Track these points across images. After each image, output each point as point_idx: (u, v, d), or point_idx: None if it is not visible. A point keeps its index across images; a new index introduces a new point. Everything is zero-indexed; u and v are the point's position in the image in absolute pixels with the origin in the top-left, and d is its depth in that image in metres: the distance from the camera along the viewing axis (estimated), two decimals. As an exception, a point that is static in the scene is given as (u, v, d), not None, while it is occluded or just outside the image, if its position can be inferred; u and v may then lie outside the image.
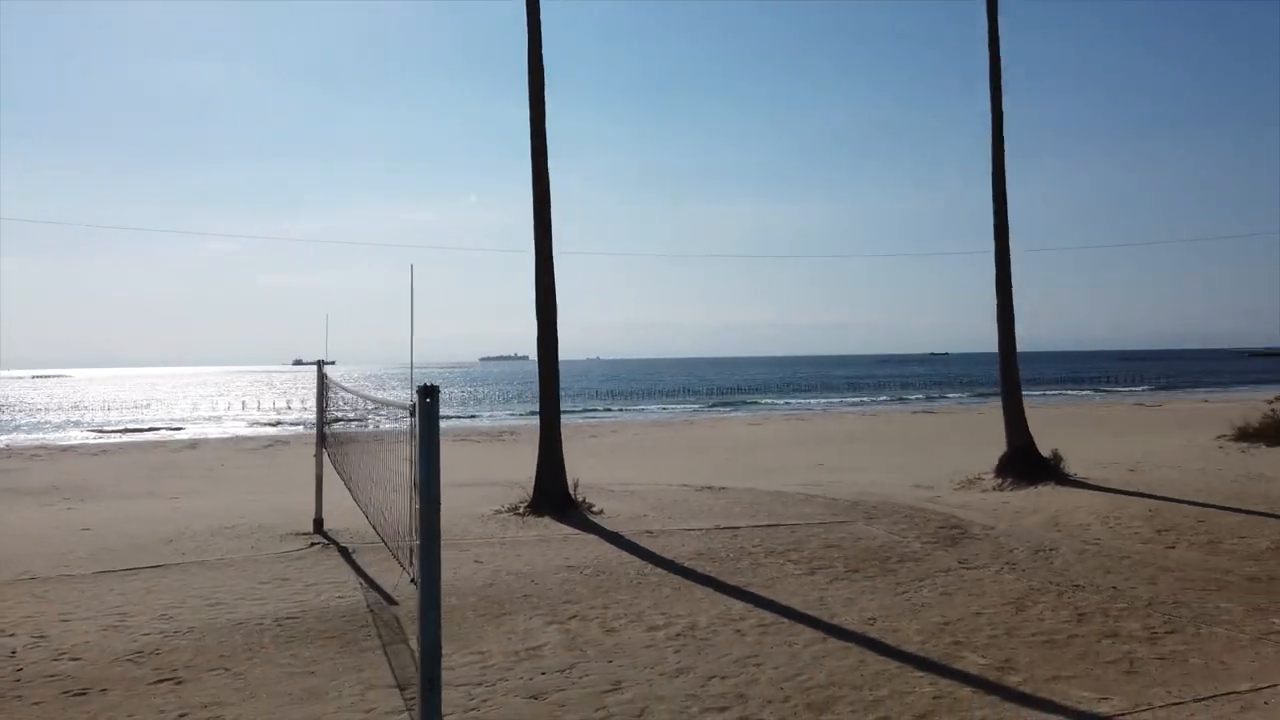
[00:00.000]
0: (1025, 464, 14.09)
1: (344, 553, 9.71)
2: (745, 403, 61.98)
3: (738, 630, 6.97)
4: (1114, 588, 8.01)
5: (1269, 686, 5.49)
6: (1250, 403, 28.47)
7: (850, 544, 9.97)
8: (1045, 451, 14.53)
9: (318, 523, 10.69)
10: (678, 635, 6.87)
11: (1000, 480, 14.09)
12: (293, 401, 67.25)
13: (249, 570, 8.93)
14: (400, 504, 8.29)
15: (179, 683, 5.94)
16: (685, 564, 9.22)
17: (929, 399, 61.19)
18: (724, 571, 8.89)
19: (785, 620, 7.24)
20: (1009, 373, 14.94)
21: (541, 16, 11.90)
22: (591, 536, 10.50)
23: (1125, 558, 9.22)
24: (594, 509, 11.81)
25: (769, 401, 62.97)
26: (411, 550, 5.57)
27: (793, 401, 62.59)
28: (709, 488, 14.56)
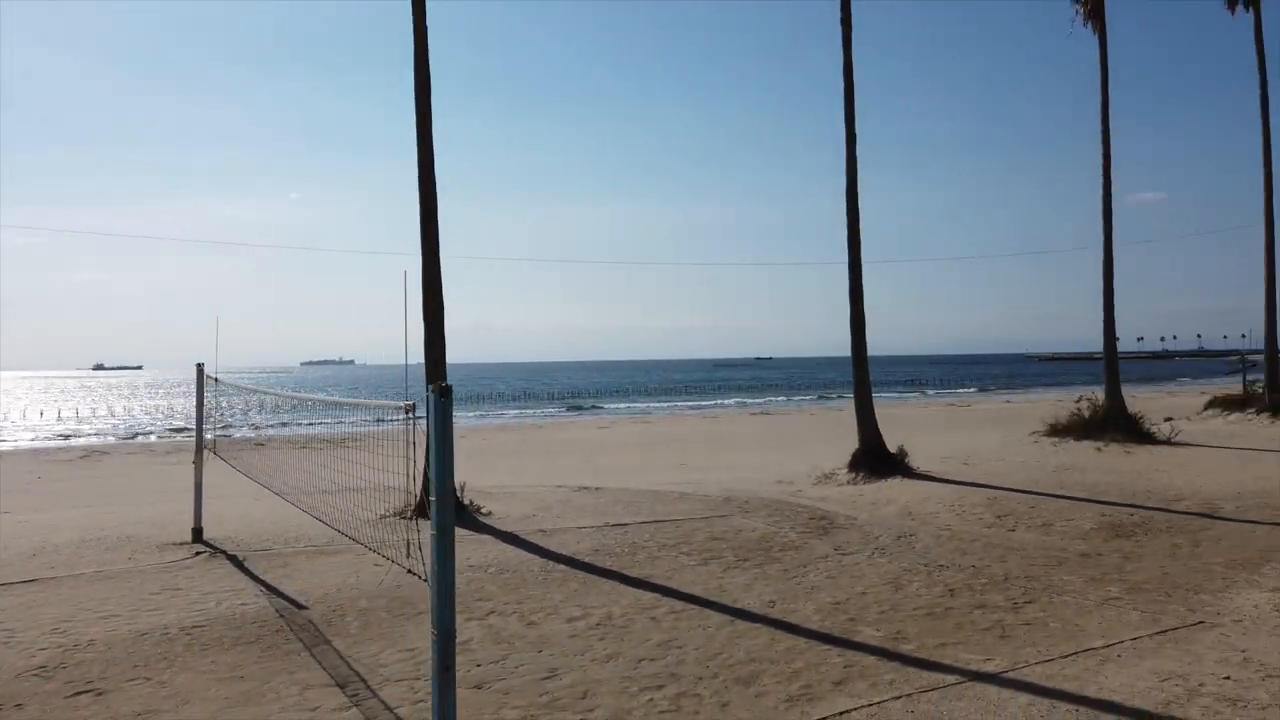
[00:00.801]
0: (876, 459, 15.26)
1: (234, 561, 9.42)
2: (593, 407, 62.73)
3: (652, 618, 7.39)
4: (973, 566, 8.98)
5: (1118, 642, 6.44)
6: (1041, 403, 31.59)
7: (734, 536, 10.60)
8: (892, 448, 15.78)
9: (197, 532, 10.30)
10: (597, 625, 7.21)
11: (854, 475, 15.19)
12: (98, 409, 62.38)
13: (134, 581, 8.55)
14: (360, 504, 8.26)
15: (99, 694, 5.75)
16: (585, 559, 9.55)
17: (764, 401, 63.97)
18: (624, 565, 9.28)
19: (694, 607, 7.72)
20: (860, 375, 16.13)
21: (426, 26, 11.93)
22: (486, 537, 10.64)
23: (976, 540, 10.30)
24: (482, 511, 11.93)
25: (613, 406, 63.94)
26: (408, 544, 5.67)
27: (635, 405, 63.91)
28: (585, 488, 14.91)
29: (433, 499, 4.03)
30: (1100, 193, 20.79)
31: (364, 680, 5.99)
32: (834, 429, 32.17)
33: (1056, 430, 19.55)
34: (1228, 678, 5.64)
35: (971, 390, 76.58)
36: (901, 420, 34.02)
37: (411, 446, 5.39)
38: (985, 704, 5.35)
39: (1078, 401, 20.74)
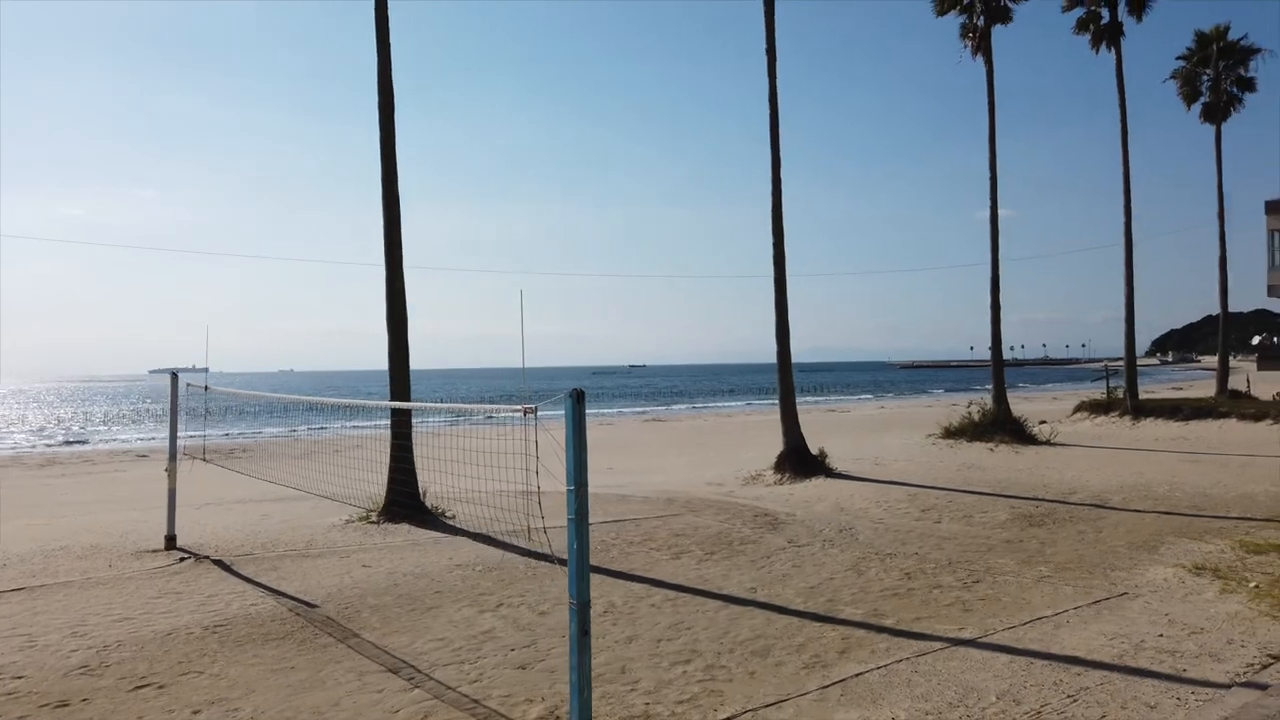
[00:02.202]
0: (799, 461, 16.33)
1: (221, 566, 9.52)
2: (488, 417, 62.27)
3: (652, 605, 8.05)
4: (916, 554, 10.02)
5: (1063, 611, 7.51)
6: (916, 408, 33.77)
7: (694, 533, 11.35)
8: (814, 450, 16.90)
9: (170, 539, 10.29)
10: (604, 612, 7.81)
11: (780, 475, 16.21)
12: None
13: (130, 588, 8.59)
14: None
15: (161, 687, 5.99)
16: (564, 556, 10.09)
17: (657, 408, 65.20)
18: (603, 561, 9.89)
19: (685, 594, 8.42)
20: (785, 381, 17.19)
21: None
22: (461, 539, 11.04)
23: (910, 532, 11.38)
24: (446, 515, 12.27)
25: (501, 415, 63.59)
26: (529, 528, 6.14)
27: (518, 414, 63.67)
28: (529, 492, 15.36)
29: (571, 488, 4.58)
30: (989, 212, 22.67)
31: (413, 666, 6.42)
32: (734, 434, 33.50)
33: (951, 433, 21.21)
34: (1161, 635, 6.75)
35: (844, 396, 80.00)
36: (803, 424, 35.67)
37: (535, 446, 5.89)
38: (974, 663, 6.26)
39: (969, 406, 22.54)
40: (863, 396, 77.07)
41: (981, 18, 22.63)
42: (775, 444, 17.74)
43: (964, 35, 23.12)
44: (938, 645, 6.68)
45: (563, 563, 9.80)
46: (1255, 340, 55.69)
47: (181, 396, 11.51)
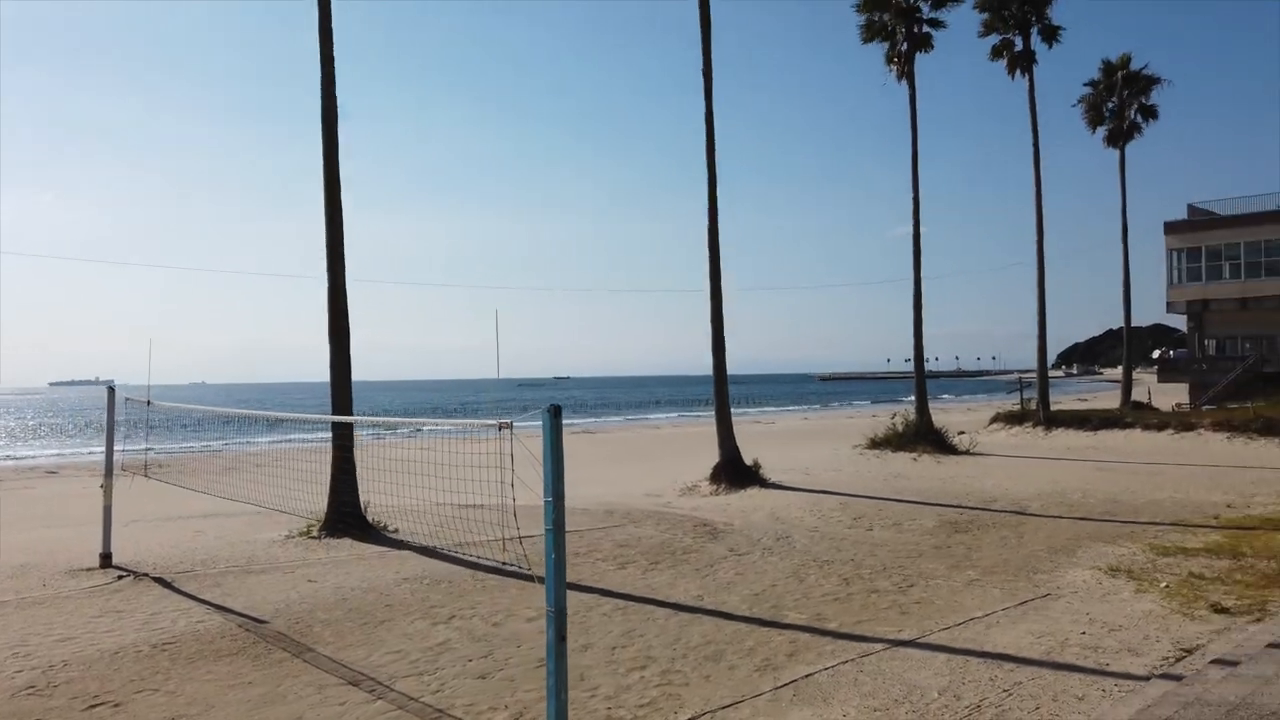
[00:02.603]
0: (735, 472, 16.70)
1: (162, 583, 9.34)
2: (415, 430, 61.42)
3: (603, 614, 8.23)
4: (852, 560, 10.41)
5: (993, 612, 7.95)
6: (839, 419, 34.66)
7: (637, 543, 11.56)
8: (748, 461, 17.29)
9: (105, 557, 10.03)
10: (557, 622, 7.96)
11: (715, 486, 16.55)
12: None
13: (69, 607, 8.38)
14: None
15: (116, 705, 5.93)
16: (511, 568, 10.17)
17: (587, 420, 65.28)
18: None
19: (634, 603, 8.62)
20: (721, 394, 17.56)
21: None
22: (406, 552, 11.04)
23: (844, 539, 11.80)
24: (389, 529, 12.23)
25: (430, 428, 62.84)
26: (504, 541, 6.23)
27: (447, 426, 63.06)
28: (469, 505, 15.37)
29: (548, 499, 4.74)
30: (911, 229, 23.53)
31: (373, 679, 6.47)
32: (667, 446, 33.85)
33: (876, 443, 21.91)
34: (1084, 633, 7.21)
35: (768, 408, 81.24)
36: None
37: (509, 459, 6.00)
38: (915, 662, 6.61)
39: (893, 418, 23.31)
40: (787, 408, 78.39)
41: (904, 45, 23.55)
42: (709, 455, 18.08)
43: (888, 61, 24.01)
44: (879, 646, 7.02)
45: (507, 574, 9.94)
46: (1155, 354, 58.65)
47: (94, 407, 11.25)
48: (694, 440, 32.53)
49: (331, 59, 12.12)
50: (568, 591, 9.11)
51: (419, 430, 26.92)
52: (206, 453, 36.49)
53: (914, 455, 20.55)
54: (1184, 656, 6.42)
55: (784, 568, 10.06)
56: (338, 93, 12.15)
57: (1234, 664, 5.60)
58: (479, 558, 10.76)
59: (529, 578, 9.48)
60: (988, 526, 12.48)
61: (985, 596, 8.58)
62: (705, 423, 51.43)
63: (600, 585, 9.33)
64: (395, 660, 6.90)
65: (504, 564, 9.25)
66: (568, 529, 13.20)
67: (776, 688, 6.15)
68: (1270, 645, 5.84)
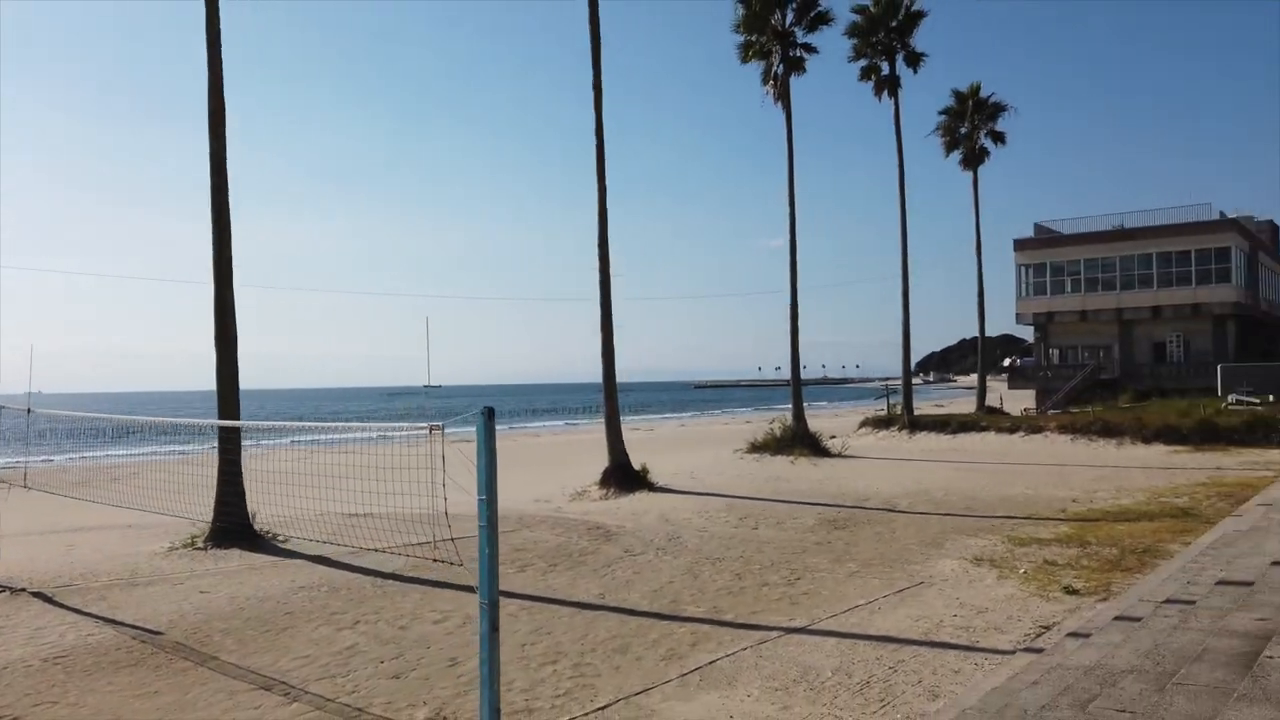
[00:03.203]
0: (624, 476, 17.08)
1: (42, 597, 8.94)
2: (293, 441, 59.18)
3: (509, 614, 8.41)
4: (741, 557, 10.94)
5: (874, 600, 8.57)
6: (716, 425, 35.63)
7: (534, 546, 11.76)
8: (636, 466, 17.71)
9: (-24, 571, 9.51)
10: (464, 624, 8.11)
11: (605, 490, 16.89)
12: None
13: (-60, 623, 7.96)
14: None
15: (16, 718, 5.76)
16: (409, 574, 10.25)
17: (463, 429, 64.30)
18: (449, 576, 10.07)
19: (539, 603, 8.85)
20: (611, 402, 17.92)
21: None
22: (300, 561, 10.88)
23: (732, 538, 12.34)
24: (279, 538, 12.00)
25: (304, 438, 60.83)
26: (435, 542, 6.30)
27: (318, 436, 61.26)
28: (357, 514, 15.19)
29: (481, 498, 4.94)
30: (788, 243, 24.56)
31: (285, 683, 6.48)
32: (552, 453, 33.96)
33: (756, 447, 22.75)
34: (955, 615, 7.90)
35: (649, 415, 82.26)
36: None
37: (441, 461, 6.11)
38: (808, 646, 7.11)
39: (771, 424, 24.25)
40: (666, 415, 79.57)
41: (780, 67, 24.61)
42: (594, 462, 18.43)
43: (765, 81, 25.03)
44: (775, 634, 7.50)
45: (407, 579, 9.98)
46: (1006, 362, 62.70)
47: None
48: (577, 447, 32.80)
49: (219, 59, 11.84)
50: (470, 595, 9.29)
51: (316, 439, 26.14)
52: (86, 462, 34.29)
53: (791, 458, 21.46)
54: (1043, 632, 7.15)
55: (678, 566, 10.48)
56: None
57: (1086, 636, 6.31)
58: (377, 564, 10.76)
59: (452, 573, 9.64)
60: (863, 523, 13.28)
61: (866, 586, 9.22)
62: (586, 430, 51.85)
63: (502, 588, 9.46)
64: (304, 665, 6.91)
65: (436, 560, 9.32)
66: (463, 535, 13.26)
67: (683, 674, 6.52)
68: (1116, 619, 6.60)
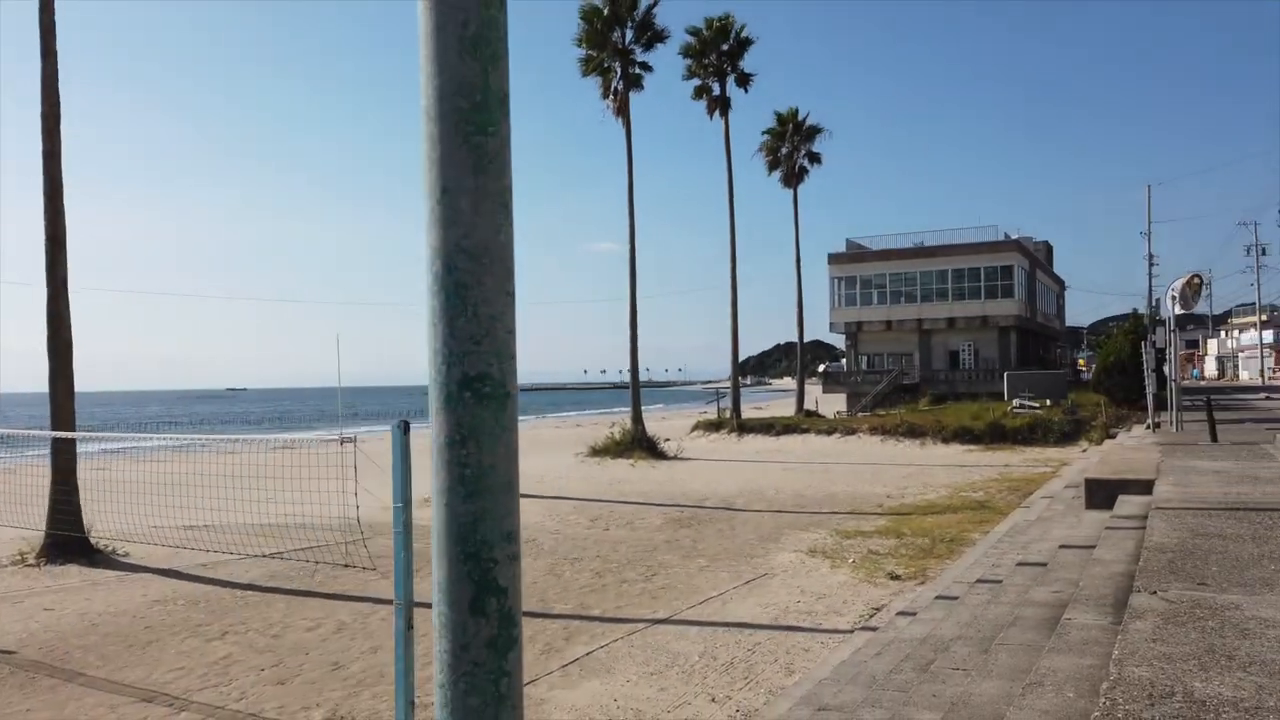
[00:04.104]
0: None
1: None
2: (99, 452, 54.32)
3: (381, 619, 8.61)
4: (598, 557, 11.51)
5: (725, 591, 9.36)
6: (541, 427, 36.10)
7: (389, 554, 11.85)
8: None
9: None
10: (339, 629, 8.26)
11: (453, 496, 17.03)
12: None
13: None
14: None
15: (-124, 749, 5.52)
16: (267, 584, 10.17)
17: (289, 434, 61.58)
18: (311, 585, 10.14)
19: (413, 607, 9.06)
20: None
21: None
22: (148, 575, 10.52)
23: (585, 539, 12.89)
24: (119, 552, 11.50)
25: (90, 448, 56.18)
26: (346, 544, 6.33)
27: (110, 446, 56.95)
28: (193, 526, 14.65)
29: (398, 505, 5.23)
30: (628, 251, 25.36)
31: (166, 694, 6.48)
32: (386, 460, 33.24)
33: (597, 451, 23.43)
34: (798, 601, 8.79)
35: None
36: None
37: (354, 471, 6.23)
38: (673, 635, 7.77)
39: (611, 428, 24.99)
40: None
41: (620, 83, 25.44)
42: (424, 469, 18.44)
43: (605, 95, 25.79)
44: (641, 625, 8.12)
45: (266, 589, 9.91)
46: (821, 368, 66.62)
47: None
48: (414, 453, 32.32)
49: (54, 57, 11.20)
50: (343, 602, 9.42)
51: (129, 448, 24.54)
52: None
53: (631, 461, 22.27)
54: (875, 612, 8.13)
55: (539, 567, 10.93)
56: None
57: (913, 614, 7.28)
58: (230, 576, 10.59)
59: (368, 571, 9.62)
60: (706, 521, 14.18)
61: (716, 579, 10.01)
62: (416, 434, 50.81)
63: (369, 594, 9.64)
64: (182, 676, 6.90)
65: (347, 565, 9.29)
66: (315, 545, 13.17)
67: (564, 665, 7.01)
68: (937, 598, 7.63)
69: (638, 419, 24.87)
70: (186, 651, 7.55)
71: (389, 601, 9.37)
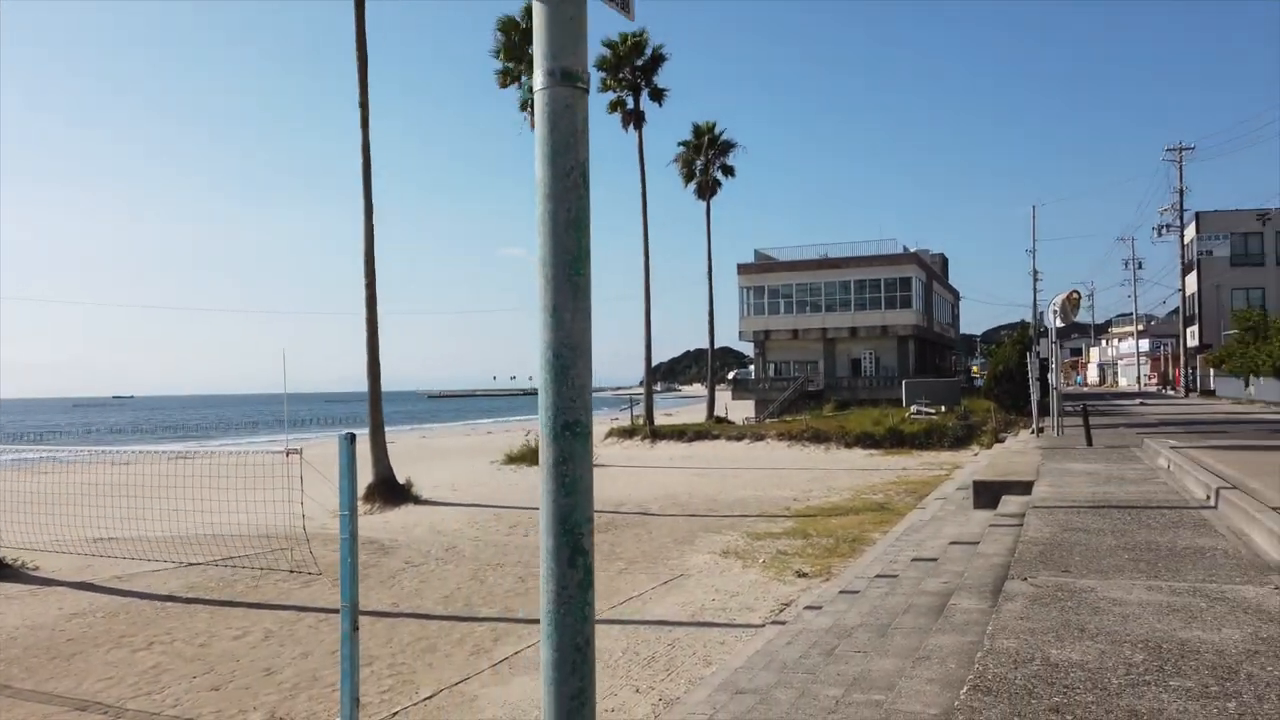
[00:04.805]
0: (389, 490, 17.34)
1: None
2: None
3: (308, 626, 8.79)
4: (520, 562, 11.83)
5: (645, 591, 9.83)
6: (453, 435, 36.16)
7: (312, 563, 11.94)
8: (400, 479, 18.01)
9: None
10: (266, 637, 8.40)
11: (370, 505, 17.06)
12: None
13: None
14: None
15: None
16: (187, 595, 10.18)
17: (185, 445, 59.52)
18: (233, 595, 10.19)
19: (334, 615, 9.23)
20: (375, 415, 18.09)
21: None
22: (62, 589, 10.38)
23: (506, 545, 13.19)
24: (29, 566, 11.27)
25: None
26: (292, 550, 6.50)
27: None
28: (110, 538, 14.36)
29: (344, 513, 5.50)
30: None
31: (100, 703, 6.58)
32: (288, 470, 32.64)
33: (513, 459, 23.65)
34: (714, 599, 9.32)
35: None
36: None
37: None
38: (598, 633, 8.10)
39: (527, 435, 25.23)
40: (401, 428, 77.71)
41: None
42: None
43: (523, 108, 26.07)
44: (566, 625, 8.51)
45: (187, 600, 9.93)
46: (731, 374, 67.99)
47: None
48: (316, 463, 31.85)
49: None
50: (267, 610, 9.54)
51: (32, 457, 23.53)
52: None
53: (546, 469, 22.59)
54: (785, 608, 8.72)
55: (462, 573, 11.20)
56: None
57: (819, 608, 7.88)
58: (148, 588, 10.54)
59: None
60: (623, 526, 14.63)
61: (635, 580, 10.47)
62: (318, 444, 49.90)
63: (292, 603, 9.77)
64: (112, 685, 6.98)
65: (293, 571, 9.35)
66: (236, 554, 13.16)
67: (494, 665, 7.36)
68: (841, 593, 8.24)
69: (553, 427, 25.15)
70: (114, 662, 7.61)
71: (314, 609, 9.55)
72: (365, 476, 18.13)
